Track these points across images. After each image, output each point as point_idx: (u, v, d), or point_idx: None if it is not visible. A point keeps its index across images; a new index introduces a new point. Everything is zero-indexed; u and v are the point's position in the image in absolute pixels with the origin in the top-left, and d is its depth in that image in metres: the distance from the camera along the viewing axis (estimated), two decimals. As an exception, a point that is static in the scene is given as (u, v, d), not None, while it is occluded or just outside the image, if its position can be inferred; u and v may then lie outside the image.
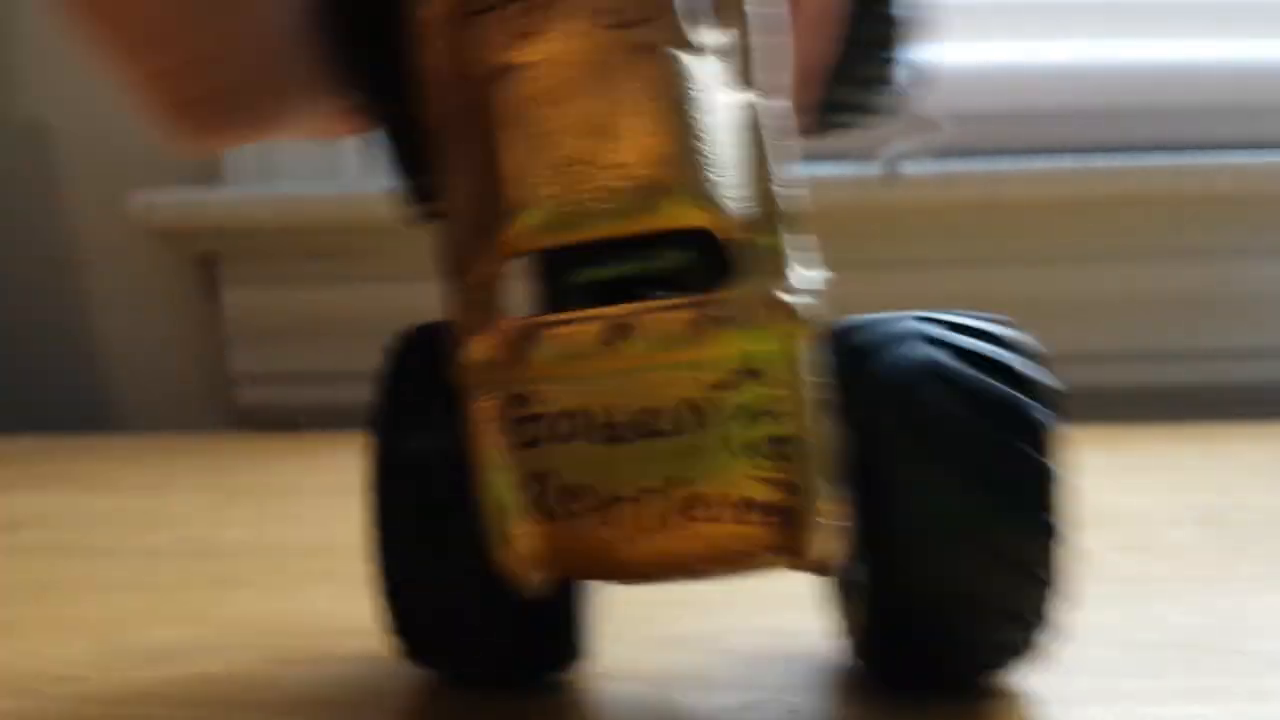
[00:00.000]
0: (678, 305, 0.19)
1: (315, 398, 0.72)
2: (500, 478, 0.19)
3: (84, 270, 0.75)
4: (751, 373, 0.18)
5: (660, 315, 0.19)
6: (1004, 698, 0.23)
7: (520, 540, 0.19)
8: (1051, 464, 0.21)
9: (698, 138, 0.19)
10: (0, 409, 0.73)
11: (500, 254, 0.19)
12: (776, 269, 0.19)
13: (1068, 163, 0.66)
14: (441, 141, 0.20)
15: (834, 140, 0.27)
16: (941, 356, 0.21)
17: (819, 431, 0.19)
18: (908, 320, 0.22)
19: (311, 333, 0.72)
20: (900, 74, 0.25)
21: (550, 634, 0.23)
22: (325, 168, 0.72)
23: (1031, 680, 0.24)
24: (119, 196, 0.71)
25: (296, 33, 0.21)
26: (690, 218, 0.18)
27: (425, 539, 0.22)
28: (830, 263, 0.20)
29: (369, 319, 0.72)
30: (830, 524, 0.19)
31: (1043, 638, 0.22)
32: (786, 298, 0.18)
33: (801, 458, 0.19)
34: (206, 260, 0.73)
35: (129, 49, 0.20)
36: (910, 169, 0.54)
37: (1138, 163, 0.66)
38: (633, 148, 0.19)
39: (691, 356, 0.18)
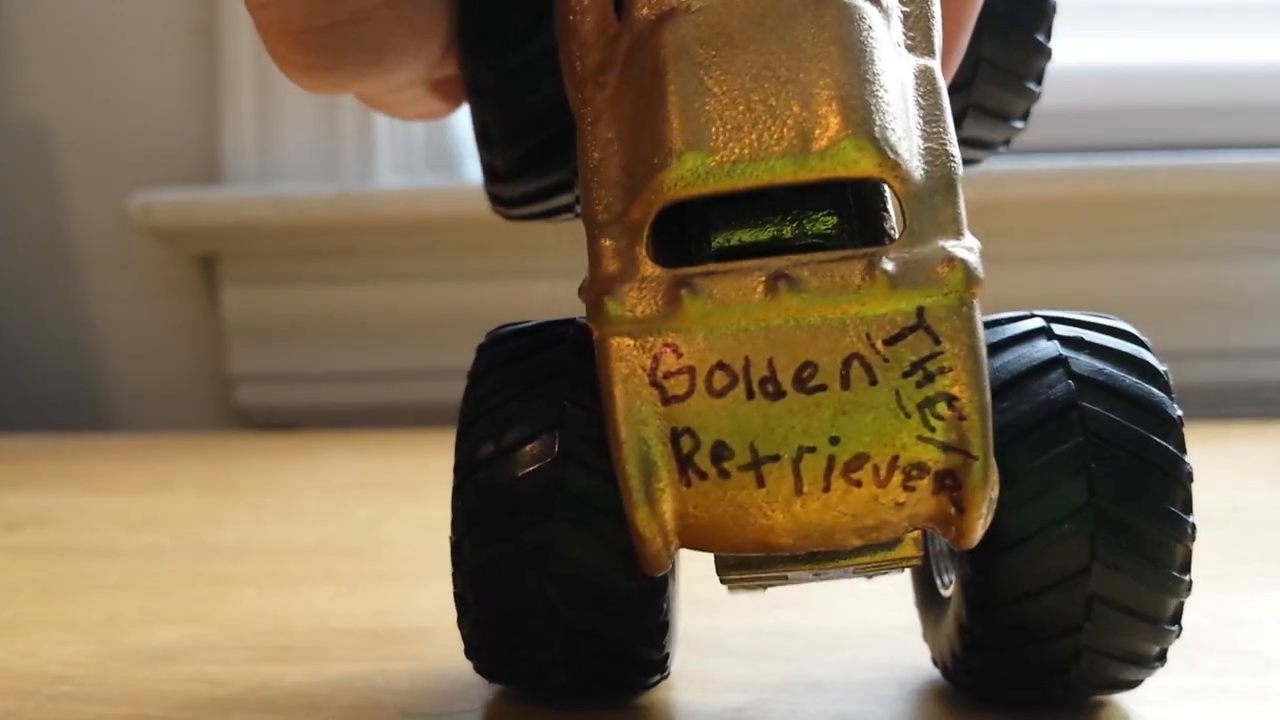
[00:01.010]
0: (848, 256, 0.18)
1: (315, 398, 0.72)
2: (647, 433, 0.18)
3: (83, 269, 0.76)
4: (927, 329, 0.18)
5: (829, 266, 0.18)
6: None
7: (663, 502, 0.18)
8: (1189, 463, 0.20)
9: (883, 87, 0.18)
10: (0, 409, 0.73)
11: (655, 200, 0.18)
12: (951, 227, 0.18)
13: (1068, 163, 0.66)
14: (588, 91, 0.19)
15: None
16: (1072, 353, 0.20)
17: (988, 394, 0.18)
18: (1031, 318, 0.21)
19: (311, 333, 0.72)
20: (1028, 105, 0.24)
21: (636, 646, 0.21)
22: (325, 168, 0.72)
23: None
24: (119, 196, 0.71)
25: None
26: (870, 166, 0.18)
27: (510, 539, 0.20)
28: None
29: (369, 319, 0.72)
30: (994, 495, 0.18)
31: (1174, 641, 0.20)
32: (964, 255, 0.18)
33: (979, 419, 0.18)
34: (206, 260, 0.73)
35: None
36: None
37: (1138, 163, 0.66)
38: (812, 93, 0.18)
39: (861, 309, 0.18)
